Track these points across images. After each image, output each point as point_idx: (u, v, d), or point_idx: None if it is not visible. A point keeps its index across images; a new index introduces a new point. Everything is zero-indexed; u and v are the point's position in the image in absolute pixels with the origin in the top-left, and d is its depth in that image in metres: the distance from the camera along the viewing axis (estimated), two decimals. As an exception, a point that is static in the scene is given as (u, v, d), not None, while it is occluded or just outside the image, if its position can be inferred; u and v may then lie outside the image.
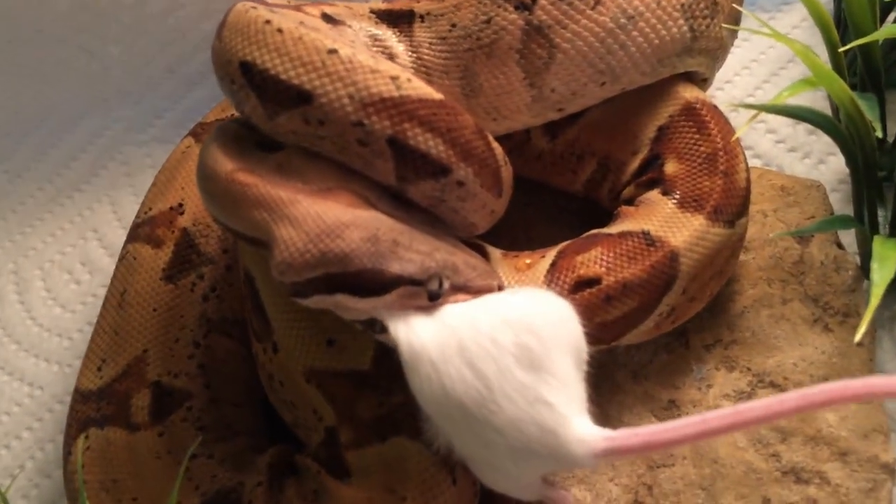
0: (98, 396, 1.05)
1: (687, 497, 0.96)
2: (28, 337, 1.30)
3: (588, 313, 0.88)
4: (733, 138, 0.97)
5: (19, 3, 1.35)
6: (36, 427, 1.24)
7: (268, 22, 0.85)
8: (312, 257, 0.81)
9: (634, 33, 0.94)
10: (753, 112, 0.96)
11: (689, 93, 1.01)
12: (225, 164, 0.86)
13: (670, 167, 0.98)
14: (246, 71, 0.85)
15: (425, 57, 0.94)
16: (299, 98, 0.83)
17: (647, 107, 1.01)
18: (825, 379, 0.98)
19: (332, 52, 0.82)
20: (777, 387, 0.99)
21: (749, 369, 1.00)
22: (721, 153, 0.97)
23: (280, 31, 0.84)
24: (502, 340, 0.79)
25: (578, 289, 0.91)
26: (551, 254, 0.95)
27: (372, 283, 0.81)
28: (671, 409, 1.00)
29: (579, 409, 0.80)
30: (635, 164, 1.01)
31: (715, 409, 0.98)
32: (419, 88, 0.84)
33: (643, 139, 1.00)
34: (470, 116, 0.87)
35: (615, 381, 1.01)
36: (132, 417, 1.02)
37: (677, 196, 0.96)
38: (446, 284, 0.82)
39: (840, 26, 1.13)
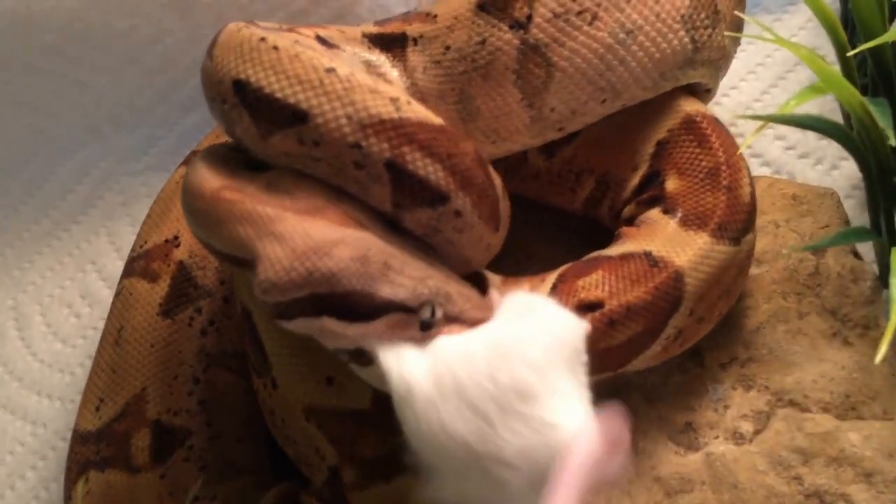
0: (97, 438, 1.02)
1: (707, 523, 0.92)
2: (29, 373, 1.28)
3: (591, 339, 0.84)
4: (738, 152, 0.94)
5: (5, 36, 1.33)
6: (40, 466, 1.22)
7: (262, 39, 0.82)
8: (298, 275, 0.77)
9: (634, 48, 0.91)
10: (760, 121, 0.92)
11: (689, 105, 0.97)
12: (211, 181, 0.83)
13: (671, 184, 0.94)
14: (239, 89, 0.82)
15: (420, 82, 0.91)
16: (294, 117, 0.80)
17: (646, 121, 0.97)
18: (846, 396, 0.95)
19: (330, 70, 0.79)
20: (797, 405, 0.95)
21: (767, 388, 0.97)
22: (723, 167, 0.94)
23: (276, 48, 0.81)
24: (500, 378, 0.75)
25: (580, 313, 0.86)
26: (551, 277, 0.91)
27: (360, 306, 0.77)
28: (688, 433, 0.96)
29: (584, 411, 0.77)
30: (635, 180, 0.97)
31: (733, 431, 0.95)
32: (419, 112, 0.81)
33: (643, 155, 0.97)
34: (471, 144, 0.84)
35: (628, 405, 0.97)
36: (133, 459, 1.00)
37: (679, 214, 0.92)
38: (439, 313, 0.78)
39: (847, 27, 1.09)
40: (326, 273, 0.77)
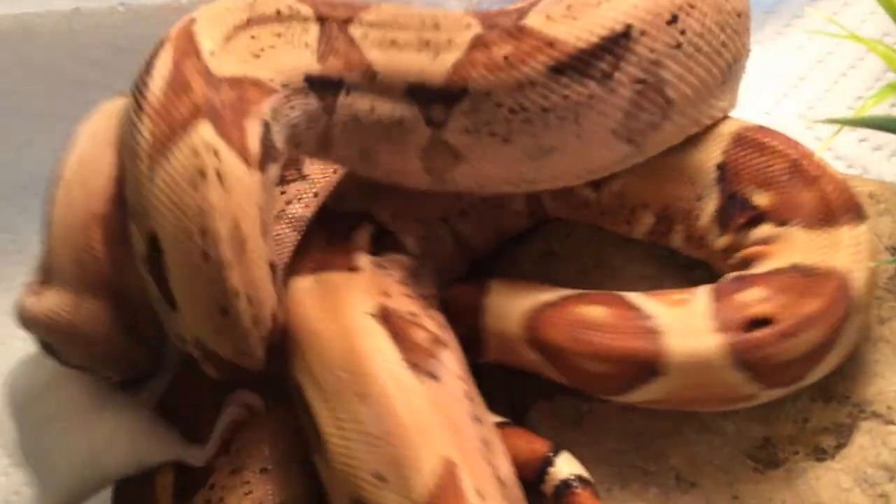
0: None
1: (790, 543, 0.88)
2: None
3: (764, 354, 0.83)
4: (816, 155, 0.91)
5: (52, 52, 1.33)
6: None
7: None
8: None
9: (553, 163, 0.88)
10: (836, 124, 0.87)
11: (729, 125, 0.94)
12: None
13: (761, 199, 0.91)
14: (137, 91, 0.85)
15: (336, 132, 0.90)
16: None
17: (694, 152, 0.94)
18: (933, 407, 0.90)
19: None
20: (880, 417, 0.90)
21: (848, 398, 0.92)
22: (800, 160, 0.91)
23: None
24: None
25: (751, 328, 0.84)
26: (701, 292, 0.88)
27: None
28: (766, 448, 0.91)
29: None
30: (709, 208, 0.93)
31: (814, 446, 0.90)
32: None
33: (704, 182, 0.93)
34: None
35: (700, 418, 0.93)
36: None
37: (797, 220, 0.89)
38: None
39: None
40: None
